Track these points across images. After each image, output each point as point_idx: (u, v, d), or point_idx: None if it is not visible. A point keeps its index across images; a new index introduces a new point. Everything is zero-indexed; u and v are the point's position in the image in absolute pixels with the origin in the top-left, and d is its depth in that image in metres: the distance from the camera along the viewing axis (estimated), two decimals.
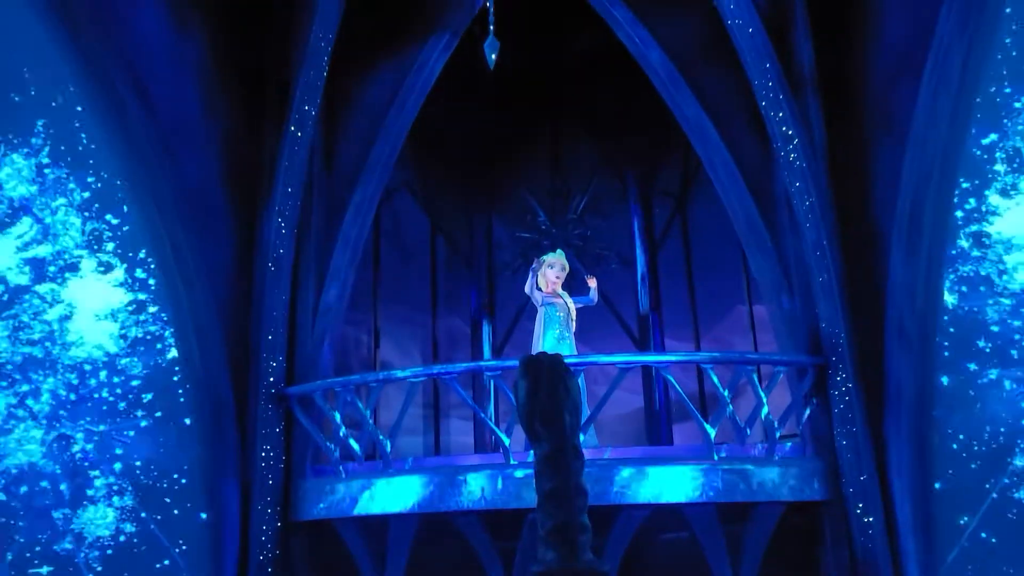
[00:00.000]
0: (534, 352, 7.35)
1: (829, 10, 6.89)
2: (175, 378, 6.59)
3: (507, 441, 6.23)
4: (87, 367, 6.32)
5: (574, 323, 7.81)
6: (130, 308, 6.51)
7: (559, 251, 8.17)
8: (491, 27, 5.44)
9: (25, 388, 6.29)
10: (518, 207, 9.72)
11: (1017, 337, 5.82)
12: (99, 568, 6.26)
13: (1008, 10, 5.71)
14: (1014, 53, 5.62)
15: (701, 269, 9.08)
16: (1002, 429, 5.86)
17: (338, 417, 6.72)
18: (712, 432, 6.14)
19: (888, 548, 5.97)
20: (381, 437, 6.55)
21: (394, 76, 7.76)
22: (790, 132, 6.63)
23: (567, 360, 3.60)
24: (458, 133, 9.47)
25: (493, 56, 5.37)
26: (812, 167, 6.62)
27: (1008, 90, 5.69)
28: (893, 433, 6.09)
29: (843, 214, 6.58)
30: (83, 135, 6.38)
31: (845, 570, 6.13)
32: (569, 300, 7.85)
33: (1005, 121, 5.77)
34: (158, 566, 6.41)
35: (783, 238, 6.85)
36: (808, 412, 6.48)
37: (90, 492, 6.37)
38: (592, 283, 7.99)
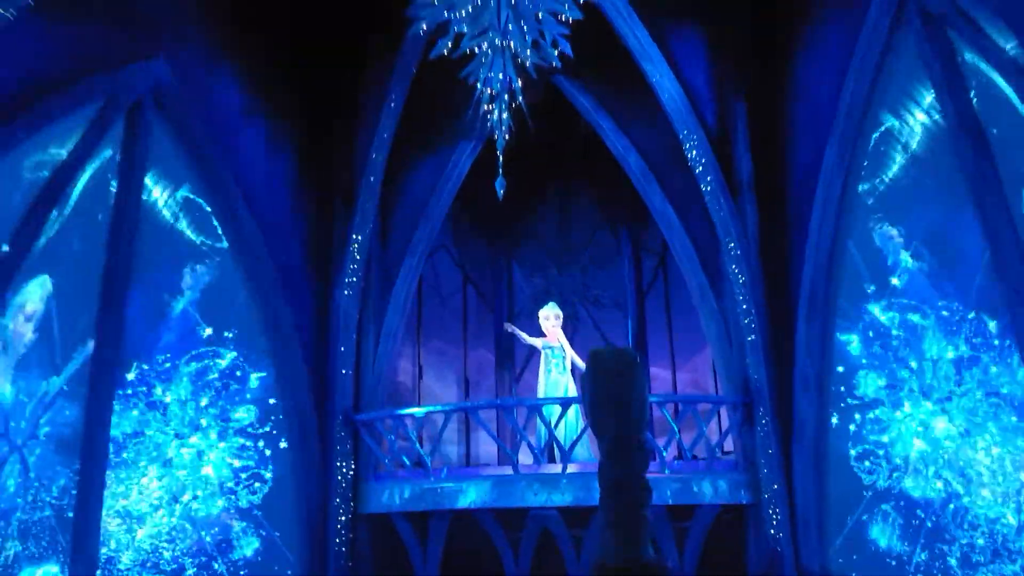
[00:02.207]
0: (540, 387, 9.76)
1: (763, 129, 9.04)
2: (275, 410, 9.00)
3: (515, 458, 8.56)
4: (213, 405, 8.77)
5: (570, 362, 9.99)
6: (243, 358, 8.94)
7: (550, 303, 10.33)
8: (500, 169, 7.69)
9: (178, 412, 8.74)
10: (533, 260, 12.03)
11: (885, 386, 7.91)
12: (224, 551, 8.69)
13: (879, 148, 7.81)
14: (881, 187, 7.74)
15: (678, 314, 11.25)
16: (880, 452, 7.96)
17: (392, 438, 9.11)
18: (664, 452, 8.41)
19: (791, 538, 8.17)
20: (423, 454, 8.91)
21: (432, 173, 10.11)
22: (729, 226, 8.83)
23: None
24: (485, 202, 11.69)
25: (501, 191, 7.63)
26: (745, 253, 8.81)
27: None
28: (798, 454, 8.28)
29: (769, 289, 8.75)
30: (210, 230, 8.81)
31: (763, 554, 8.35)
32: (566, 344, 10.05)
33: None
34: (262, 546, 8.83)
35: (725, 303, 9.04)
36: (739, 437, 8.71)
37: (212, 488, 8.80)
38: None
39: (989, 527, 6.89)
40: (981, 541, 6.95)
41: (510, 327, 10.34)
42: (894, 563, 7.63)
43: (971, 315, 7.19)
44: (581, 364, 9.97)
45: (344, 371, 9.44)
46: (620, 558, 3.79)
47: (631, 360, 4.06)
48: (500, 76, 7.77)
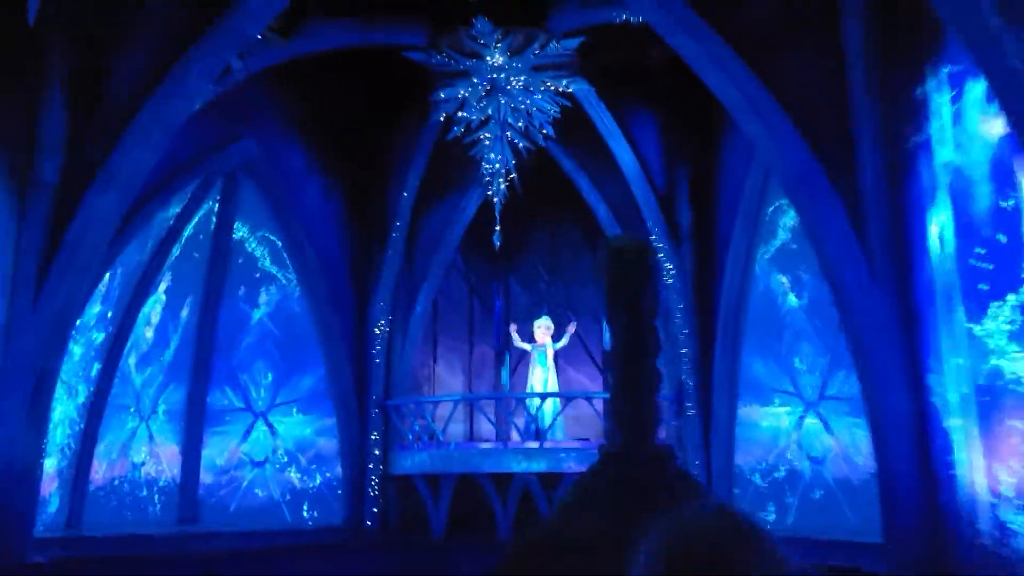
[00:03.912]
0: (528, 381, 12.69)
1: (700, 192, 11.84)
2: (326, 396, 11.98)
3: (506, 435, 11.52)
4: (282, 391, 11.76)
5: (551, 359, 12.92)
6: (303, 356, 11.91)
7: (543, 316, 13.27)
8: (497, 227, 10.58)
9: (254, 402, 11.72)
10: (527, 277, 14.91)
11: (775, 390, 10.78)
12: (290, 501, 11.69)
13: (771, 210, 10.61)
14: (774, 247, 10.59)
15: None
16: (771, 438, 10.85)
17: (413, 418, 12.08)
18: None
19: None
20: (437, 430, 11.87)
21: (448, 212, 12.99)
22: (670, 267, 11.70)
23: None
24: (489, 230, 14.60)
25: (498, 243, 10.53)
26: (683, 287, 11.67)
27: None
28: (714, 439, 11.20)
29: (700, 315, 11.61)
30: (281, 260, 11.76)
31: None
32: (550, 345, 12.97)
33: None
34: (317, 501, 11.84)
35: (668, 323, 11.92)
36: (673, 425, 11.64)
37: (275, 456, 11.80)
38: (571, 328, 13.10)
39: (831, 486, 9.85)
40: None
41: (512, 328, 13.18)
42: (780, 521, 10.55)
43: (833, 341, 10.04)
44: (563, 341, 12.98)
45: (377, 366, 12.38)
46: (629, 448, 3.64)
47: (646, 248, 3.82)
48: (499, 157, 10.71)
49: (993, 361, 5.60)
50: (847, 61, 6.67)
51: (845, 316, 6.78)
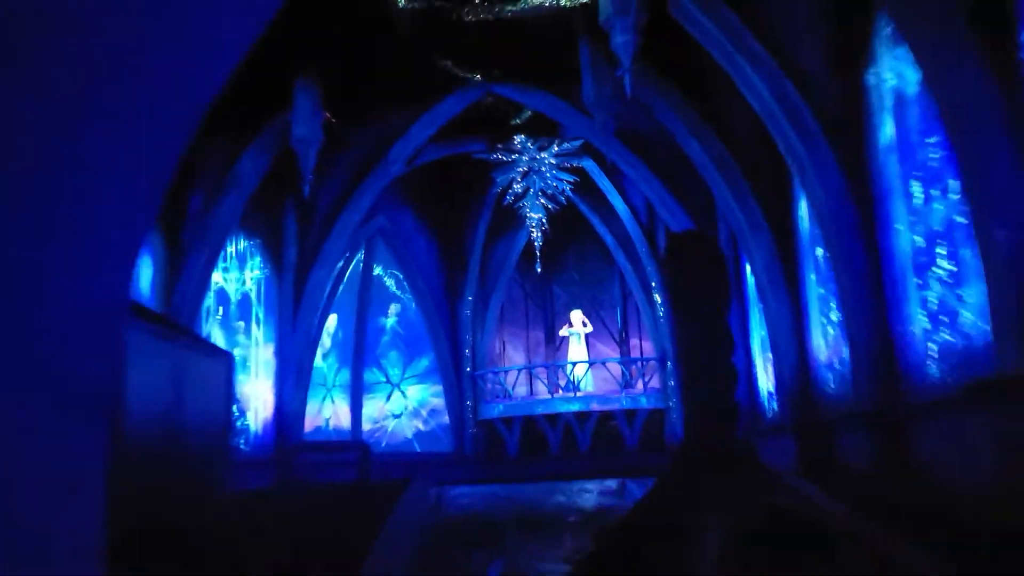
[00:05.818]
0: (568, 353, 19.23)
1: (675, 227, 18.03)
2: (435, 371, 18.65)
3: (550, 389, 18.05)
4: (408, 369, 18.47)
5: (583, 337, 19.34)
6: (419, 346, 18.58)
7: (576, 310, 19.70)
8: (538, 257, 16.98)
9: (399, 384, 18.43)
10: (565, 282, 21.33)
11: None
12: (416, 438, 18.40)
13: None
14: None
15: (645, 311, 20.39)
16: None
17: (492, 383, 18.67)
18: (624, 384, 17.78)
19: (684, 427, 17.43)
20: (508, 389, 18.42)
21: (506, 246, 19.48)
22: (654, 278, 17.96)
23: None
24: (535, 255, 21.05)
25: (539, 268, 16.95)
26: (663, 292, 17.91)
27: None
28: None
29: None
30: (402, 286, 18.43)
31: (671, 435, 17.61)
32: (580, 327, 19.37)
33: None
34: (433, 435, 18.52)
35: (655, 312, 18.18)
36: (660, 376, 17.96)
37: (406, 411, 18.50)
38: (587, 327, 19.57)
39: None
40: None
41: (561, 334, 19.67)
42: None
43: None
44: (589, 328, 19.39)
45: (467, 349, 18.99)
46: (705, 442, 3.46)
47: (715, 249, 3.56)
48: (536, 213, 17.16)
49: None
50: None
51: None
